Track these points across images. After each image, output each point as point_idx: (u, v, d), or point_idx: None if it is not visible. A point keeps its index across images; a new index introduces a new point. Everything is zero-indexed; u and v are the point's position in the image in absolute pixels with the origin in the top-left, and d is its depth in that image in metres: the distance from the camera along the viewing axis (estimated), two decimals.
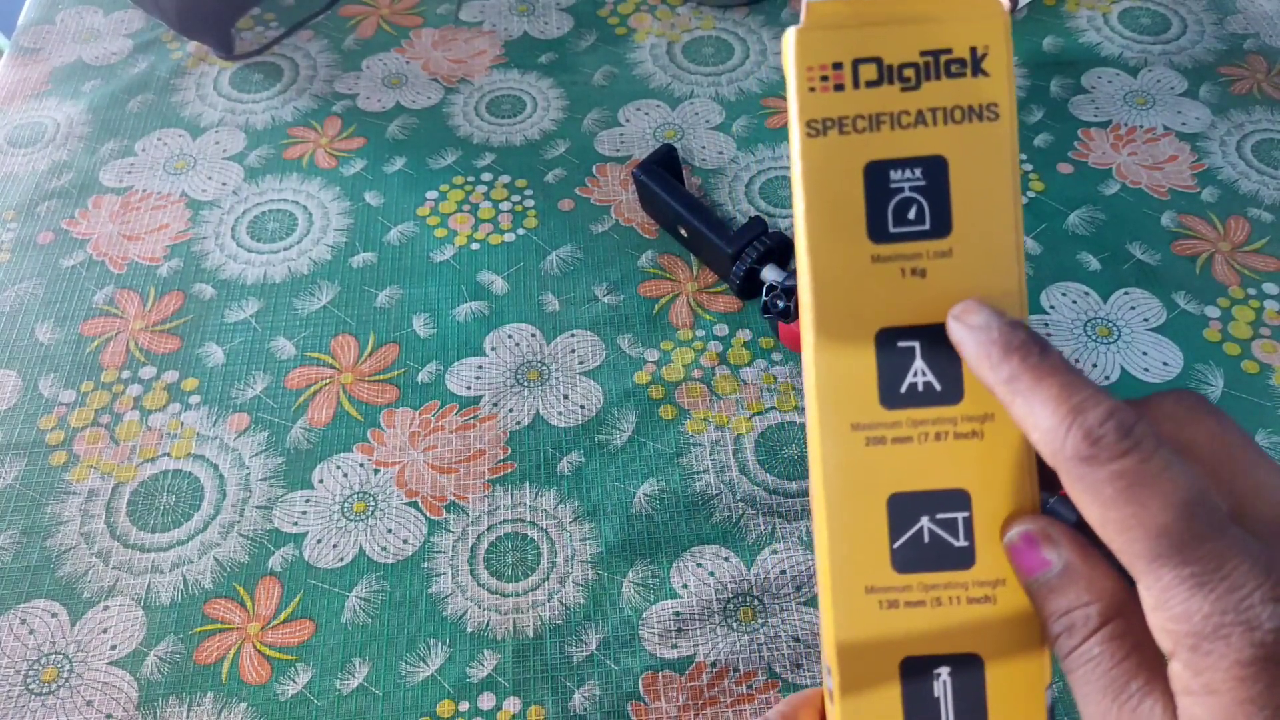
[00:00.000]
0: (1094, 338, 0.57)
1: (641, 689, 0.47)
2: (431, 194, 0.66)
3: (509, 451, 0.54)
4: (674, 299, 0.60)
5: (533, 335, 0.59)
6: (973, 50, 0.23)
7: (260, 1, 0.78)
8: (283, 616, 0.49)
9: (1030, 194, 0.65)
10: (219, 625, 0.49)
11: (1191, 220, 0.63)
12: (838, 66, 0.23)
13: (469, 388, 0.56)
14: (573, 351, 0.58)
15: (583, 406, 0.56)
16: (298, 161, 0.68)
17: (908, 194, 0.23)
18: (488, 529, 0.51)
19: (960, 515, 0.23)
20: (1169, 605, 0.19)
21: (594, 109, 0.71)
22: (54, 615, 0.49)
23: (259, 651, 0.48)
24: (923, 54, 0.23)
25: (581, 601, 0.49)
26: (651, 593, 0.49)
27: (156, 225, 0.64)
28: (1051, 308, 0.59)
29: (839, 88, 0.23)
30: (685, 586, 0.49)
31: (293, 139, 0.69)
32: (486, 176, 0.67)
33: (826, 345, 0.23)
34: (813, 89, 0.23)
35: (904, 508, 0.23)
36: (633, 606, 0.49)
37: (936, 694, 0.23)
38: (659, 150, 0.62)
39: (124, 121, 0.71)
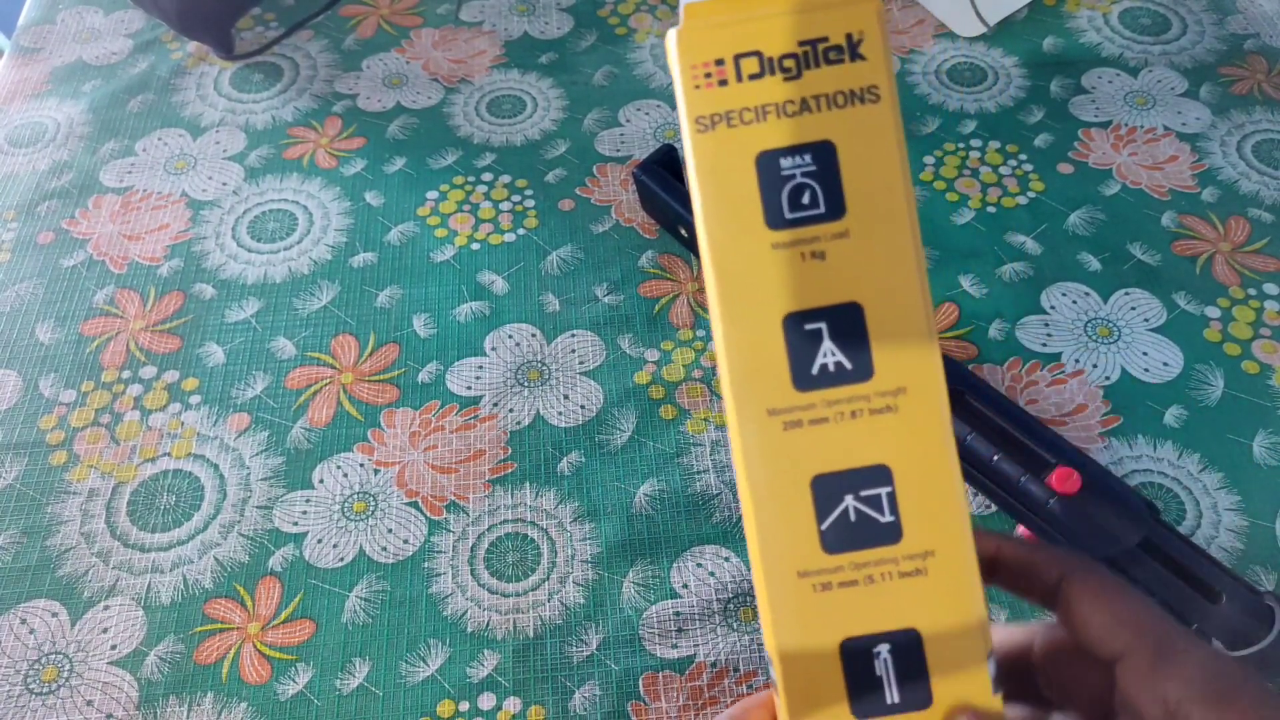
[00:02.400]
0: (1094, 338, 0.57)
1: (641, 689, 0.47)
2: (432, 194, 0.66)
3: (509, 451, 0.54)
4: (674, 299, 0.60)
5: (533, 335, 0.59)
6: (848, 36, 0.23)
7: (260, 1, 0.78)
8: (283, 616, 0.49)
9: (1030, 194, 0.65)
10: (219, 625, 0.49)
11: (1192, 220, 0.63)
12: (720, 63, 0.23)
13: (469, 388, 0.56)
14: (573, 351, 0.58)
15: (583, 406, 0.56)
16: (298, 161, 0.68)
17: (800, 180, 0.23)
18: (488, 529, 0.51)
19: (884, 490, 0.23)
20: None
21: (594, 109, 0.71)
22: (54, 615, 0.49)
23: (259, 651, 0.48)
24: (800, 44, 0.23)
25: (581, 601, 0.49)
26: (651, 593, 0.49)
27: (157, 225, 0.64)
28: (1052, 308, 0.59)
29: (723, 83, 0.23)
30: (685, 586, 0.49)
31: (293, 139, 0.69)
32: (487, 176, 0.67)
33: (736, 334, 0.23)
34: (698, 86, 0.23)
35: (827, 488, 0.23)
36: (633, 606, 0.49)
37: (879, 672, 0.23)
38: (659, 150, 0.62)
39: (124, 121, 0.71)
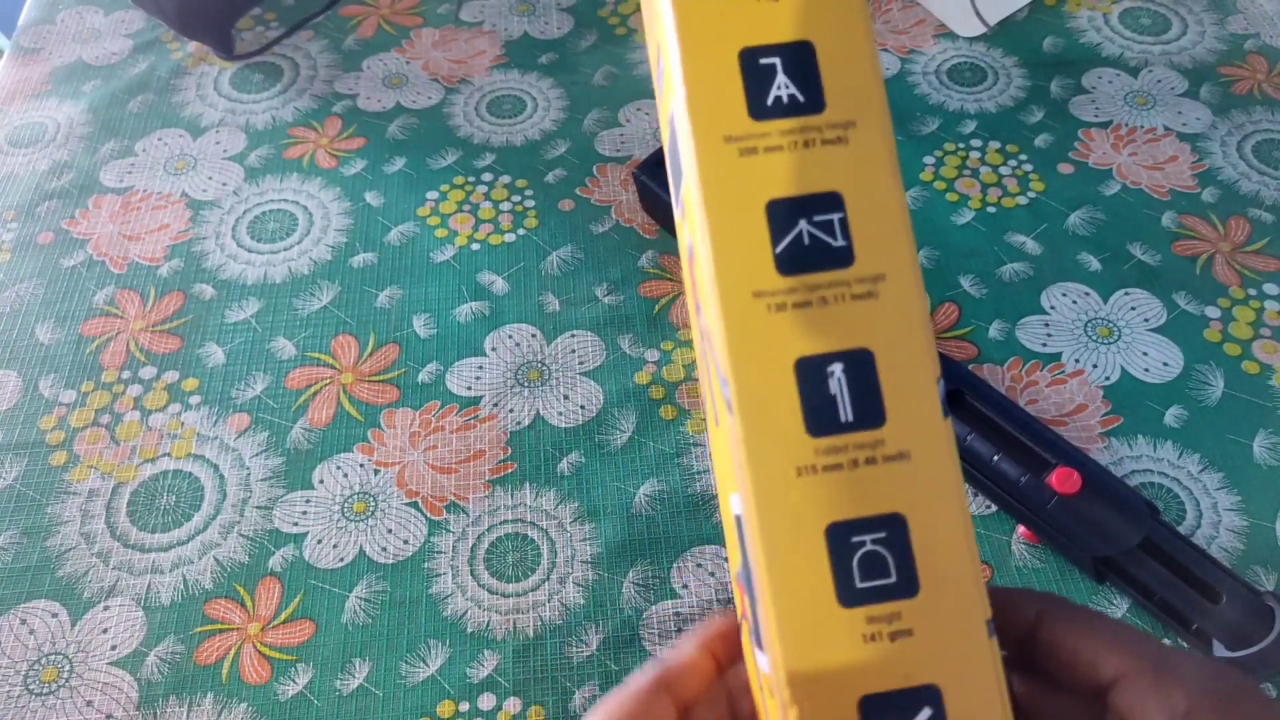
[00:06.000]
0: (1094, 338, 0.57)
1: None
2: (432, 194, 0.66)
3: (509, 452, 0.54)
4: (674, 299, 0.60)
5: (533, 335, 0.59)
6: None
7: (260, 1, 0.78)
8: (283, 617, 0.49)
9: (1030, 194, 0.65)
10: (219, 625, 0.49)
11: (1192, 220, 0.63)
12: None
13: (469, 388, 0.56)
14: (573, 352, 0.58)
15: (583, 407, 0.55)
16: (298, 161, 0.68)
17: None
18: (488, 529, 0.51)
19: (835, 216, 0.24)
20: None
21: (594, 109, 0.71)
22: (54, 615, 0.49)
23: (259, 652, 0.48)
24: None
25: (581, 602, 0.49)
26: (651, 593, 0.49)
27: (157, 225, 0.64)
28: (1052, 308, 0.59)
29: None
30: (685, 587, 0.49)
31: (293, 139, 0.69)
32: (487, 177, 0.67)
33: (695, 70, 0.24)
34: None
35: (781, 213, 0.24)
36: (633, 607, 0.49)
37: (833, 391, 0.23)
38: (659, 150, 0.62)
39: (124, 121, 0.71)
